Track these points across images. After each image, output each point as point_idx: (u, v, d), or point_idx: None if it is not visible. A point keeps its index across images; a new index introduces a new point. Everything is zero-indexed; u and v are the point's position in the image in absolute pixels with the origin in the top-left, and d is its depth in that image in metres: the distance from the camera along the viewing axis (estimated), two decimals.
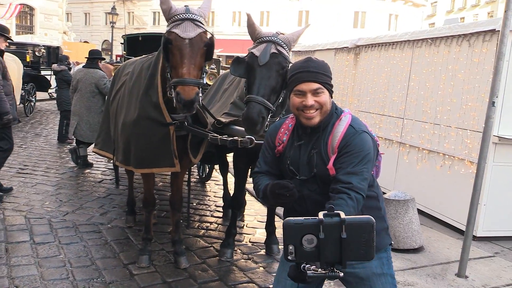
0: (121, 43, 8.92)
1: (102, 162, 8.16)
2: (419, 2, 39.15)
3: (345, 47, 8.86)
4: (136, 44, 8.09)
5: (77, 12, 46.84)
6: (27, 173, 7.06)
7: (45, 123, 13.04)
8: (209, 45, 3.29)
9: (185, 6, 3.33)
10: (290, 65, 3.45)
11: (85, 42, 39.23)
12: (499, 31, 5.28)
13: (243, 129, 3.46)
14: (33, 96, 14.14)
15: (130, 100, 3.83)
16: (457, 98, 5.88)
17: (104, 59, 8.33)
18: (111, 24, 27.46)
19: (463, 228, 5.30)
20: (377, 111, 7.77)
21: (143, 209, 4.35)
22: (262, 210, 6.15)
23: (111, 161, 5.65)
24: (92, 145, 7.92)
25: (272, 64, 3.31)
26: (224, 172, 5.97)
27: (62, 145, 9.74)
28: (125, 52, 7.06)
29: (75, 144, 8.12)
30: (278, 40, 3.42)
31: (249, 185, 6.42)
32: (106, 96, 5.26)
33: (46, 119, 13.87)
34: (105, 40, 45.88)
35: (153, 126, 3.61)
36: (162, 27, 40.45)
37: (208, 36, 3.30)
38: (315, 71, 2.18)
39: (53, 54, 15.76)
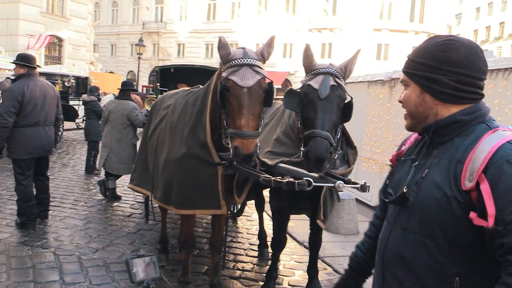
0: (152, 74, 8.90)
1: (131, 195, 7.98)
2: (441, 34, 38.99)
3: (379, 80, 8.66)
4: (168, 75, 8.02)
5: (104, 43, 48.02)
6: (55, 206, 6.88)
7: (72, 153, 13.04)
8: (268, 91, 3.09)
9: (242, 49, 3.15)
10: (349, 98, 3.28)
11: (110, 72, 40.03)
12: None
13: (296, 169, 3.25)
14: (61, 126, 14.21)
15: (174, 136, 3.63)
16: None
17: (137, 90, 8.28)
18: (138, 56, 27.91)
19: None
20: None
21: (181, 250, 4.10)
22: (299, 249, 5.86)
23: (145, 196, 5.44)
24: (121, 177, 7.81)
25: (333, 97, 3.16)
26: (260, 209, 5.72)
27: (89, 176, 9.63)
28: (158, 84, 6.98)
29: (103, 176, 7.99)
30: (335, 72, 3.25)
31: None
32: (143, 129, 5.10)
33: (73, 149, 13.89)
34: (130, 71, 46.76)
35: (199, 166, 3.40)
36: (186, 59, 41.17)
37: (267, 81, 3.09)
38: (408, 57, 1.63)
39: (82, 85, 15.97)
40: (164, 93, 5.12)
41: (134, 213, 6.97)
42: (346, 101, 3.27)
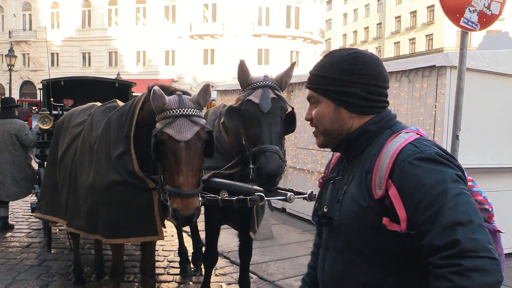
0: (39, 89, 8.13)
1: (24, 223, 7.22)
2: (317, 39, 41.48)
3: None
4: (56, 89, 7.37)
5: None
6: None
7: None
8: (208, 141, 2.82)
9: (178, 96, 2.81)
10: (290, 109, 3.28)
11: None
12: (439, 67, 5.64)
13: (235, 183, 3.18)
14: None
15: (98, 159, 3.31)
16: None
17: (19, 106, 7.48)
18: (9, 67, 25.30)
19: None
20: (317, 147, 7.78)
21: (111, 280, 3.77)
22: (219, 261, 5.74)
23: (54, 224, 4.93)
24: (11, 204, 7.01)
25: (275, 109, 3.13)
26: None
27: None
28: (52, 99, 6.34)
29: None
30: (273, 84, 3.23)
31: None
32: (48, 150, 4.58)
33: None
34: None
35: (132, 192, 3.15)
36: (61, 68, 38.56)
37: (207, 131, 2.81)
38: (313, 73, 1.59)
39: None
40: (71, 110, 4.70)
41: (33, 243, 6.29)
42: (287, 112, 3.28)
